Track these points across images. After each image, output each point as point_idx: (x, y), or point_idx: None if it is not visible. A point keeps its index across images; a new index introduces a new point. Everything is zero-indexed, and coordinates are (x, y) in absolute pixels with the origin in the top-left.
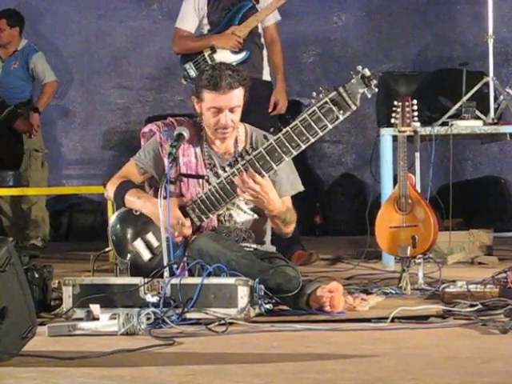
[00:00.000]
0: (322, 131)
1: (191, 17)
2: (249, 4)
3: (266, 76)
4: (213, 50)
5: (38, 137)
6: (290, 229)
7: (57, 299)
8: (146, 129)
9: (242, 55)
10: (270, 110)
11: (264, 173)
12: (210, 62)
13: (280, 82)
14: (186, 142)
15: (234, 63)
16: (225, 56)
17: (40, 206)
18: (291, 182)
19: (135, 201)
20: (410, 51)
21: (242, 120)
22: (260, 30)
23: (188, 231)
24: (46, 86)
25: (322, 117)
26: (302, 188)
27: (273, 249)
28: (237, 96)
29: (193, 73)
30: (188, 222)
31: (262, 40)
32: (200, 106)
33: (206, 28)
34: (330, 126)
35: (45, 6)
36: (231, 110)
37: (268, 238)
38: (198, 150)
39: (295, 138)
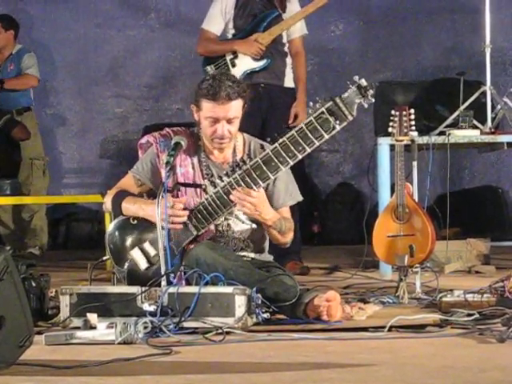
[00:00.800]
0: (319, 141)
1: (217, 19)
2: (275, 12)
3: (289, 83)
4: (235, 54)
5: (37, 145)
6: (287, 238)
7: (54, 308)
8: (143, 140)
9: (262, 62)
10: (290, 122)
11: (261, 183)
12: (230, 67)
13: (301, 94)
14: (183, 152)
15: (256, 69)
16: (246, 62)
17: (40, 215)
18: (290, 192)
19: (131, 206)
20: (408, 60)
21: (265, 124)
22: (284, 40)
23: (183, 213)
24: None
25: (319, 127)
26: (300, 198)
27: (270, 258)
28: (235, 107)
29: None
30: (180, 205)
31: (286, 48)
32: (198, 115)
33: (231, 32)
34: (327, 136)
35: (43, 14)
36: (229, 121)
37: (266, 247)
38: (196, 159)
39: (292, 147)
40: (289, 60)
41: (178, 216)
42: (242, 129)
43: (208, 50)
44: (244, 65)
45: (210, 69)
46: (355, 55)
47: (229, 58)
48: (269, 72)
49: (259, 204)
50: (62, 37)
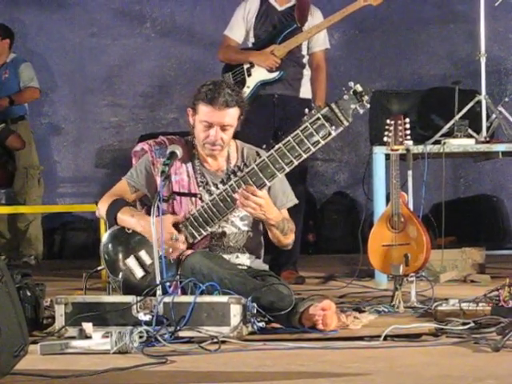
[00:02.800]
0: (315, 147)
1: (239, 26)
2: (293, 25)
3: (305, 94)
4: (251, 64)
5: (32, 154)
6: (288, 240)
7: (49, 317)
8: (137, 148)
9: (275, 74)
10: None
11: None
12: (246, 76)
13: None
14: (177, 160)
15: (269, 80)
16: (260, 72)
17: (36, 224)
18: (287, 196)
19: (128, 219)
20: (403, 70)
21: (277, 134)
22: (304, 52)
23: (183, 246)
24: (27, 89)
25: (315, 133)
26: (296, 200)
27: (266, 267)
28: (231, 115)
29: None
30: (182, 237)
31: (305, 60)
32: (194, 119)
33: (251, 40)
34: (323, 142)
35: (38, 23)
36: (223, 128)
37: (261, 254)
38: (190, 168)
39: (288, 154)
40: (306, 72)
41: (178, 249)
42: (253, 137)
43: (227, 57)
44: (259, 75)
45: (228, 76)
46: (350, 64)
47: (246, 67)
48: (283, 83)
49: (264, 204)
50: (58, 46)
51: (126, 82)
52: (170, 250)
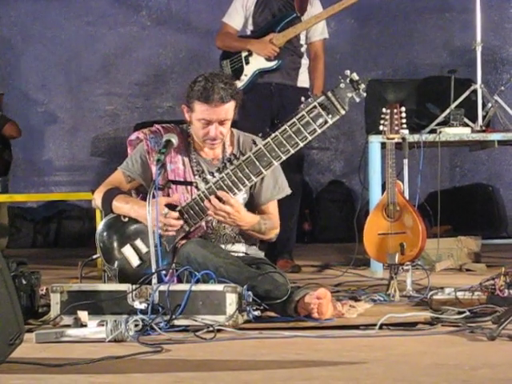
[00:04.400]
0: (311, 135)
1: (238, 14)
2: (292, 14)
3: (302, 83)
4: (250, 52)
5: None
6: (269, 235)
7: (44, 306)
8: (132, 137)
9: (273, 63)
10: None
11: (253, 177)
12: (244, 64)
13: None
14: (173, 148)
15: (267, 69)
16: (259, 61)
17: (2, 213)
18: (279, 186)
19: (123, 206)
20: (399, 58)
21: (274, 123)
22: (302, 41)
23: (176, 222)
24: None
25: (311, 121)
26: (289, 191)
27: (261, 254)
28: (228, 109)
29: (227, 70)
30: (174, 214)
31: (303, 49)
32: (190, 116)
33: (250, 28)
34: (319, 131)
35: (34, 12)
36: (221, 123)
37: (256, 243)
38: (186, 156)
39: (284, 142)
40: (304, 61)
41: (172, 225)
42: (250, 125)
43: (225, 44)
44: (257, 63)
45: (226, 63)
46: (346, 53)
47: (244, 54)
48: (281, 72)
49: (233, 212)
50: (53, 34)
51: (121, 71)
52: (165, 228)
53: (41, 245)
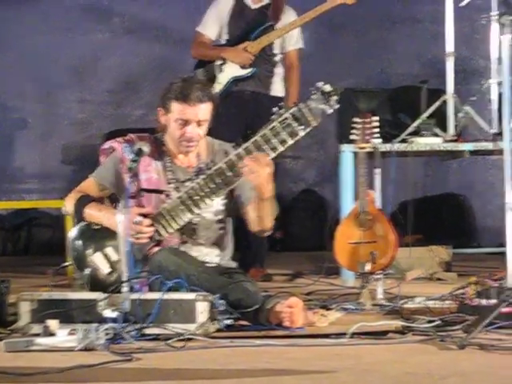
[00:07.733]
0: (283, 146)
1: (213, 23)
2: (267, 23)
3: (276, 92)
4: (224, 60)
5: None
6: (271, 223)
7: (14, 314)
8: (105, 145)
9: (248, 70)
10: None
11: (225, 187)
12: (218, 72)
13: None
14: (146, 157)
15: (242, 77)
16: (233, 69)
17: None
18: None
19: (95, 213)
20: (371, 68)
21: (247, 132)
22: (276, 50)
23: (147, 229)
24: None
25: (283, 132)
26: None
27: (233, 264)
28: (205, 110)
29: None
30: (146, 221)
31: (277, 58)
32: (166, 118)
33: (225, 37)
34: (291, 142)
35: (6, 20)
36: (198, 124)
37: (230, 252)
38: (160, 165)
39: (255, 152)
40: (278, 70)
41: (144, 233)
42: (224, 133)
43: (199, 53)
44: (231, 71)
45: (199, 72)
46: (319, 62)
47: (218, 63)
48: (255, 80)
49: (270, 172)
50: (25, 42)
51: (93, 78)
52: (136, 236)
53: (10, 253)
